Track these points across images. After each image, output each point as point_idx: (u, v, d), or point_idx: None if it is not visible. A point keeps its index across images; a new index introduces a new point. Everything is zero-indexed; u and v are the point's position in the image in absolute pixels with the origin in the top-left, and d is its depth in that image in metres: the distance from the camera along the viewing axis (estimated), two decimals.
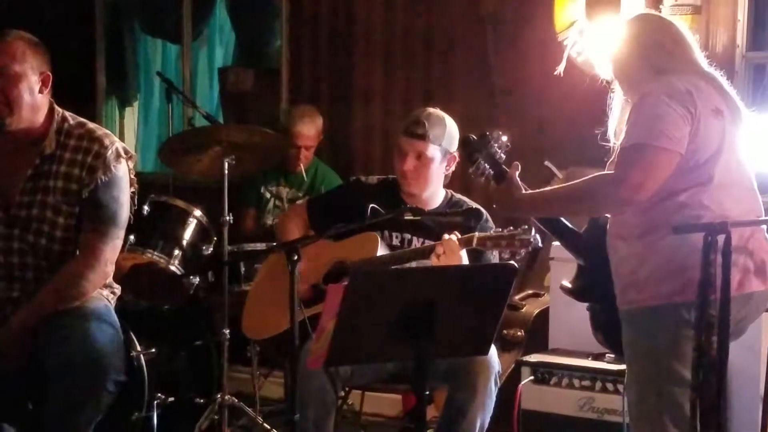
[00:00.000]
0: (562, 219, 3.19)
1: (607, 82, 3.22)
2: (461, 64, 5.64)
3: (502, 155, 3.12)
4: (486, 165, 3.10)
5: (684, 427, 2.78)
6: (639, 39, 3.05)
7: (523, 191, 3.07)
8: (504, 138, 3.15)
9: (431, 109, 3.97)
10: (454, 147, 3.93)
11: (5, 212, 3.45)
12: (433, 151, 3.88)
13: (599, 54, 3.18)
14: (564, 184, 3.15)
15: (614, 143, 3.12)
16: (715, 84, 3.01)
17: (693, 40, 3.11)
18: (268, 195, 5.43)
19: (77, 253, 3.46)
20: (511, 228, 3.54)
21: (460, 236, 3.62)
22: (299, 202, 5.08)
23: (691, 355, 2.66)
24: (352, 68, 5.98)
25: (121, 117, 7.50)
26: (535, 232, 3.44)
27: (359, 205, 3.85)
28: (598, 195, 2.91)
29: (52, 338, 3.30)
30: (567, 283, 3.25)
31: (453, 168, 3.98)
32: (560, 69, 3.51)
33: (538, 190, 3.12)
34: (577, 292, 3.23)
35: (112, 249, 3.49)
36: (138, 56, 7.38)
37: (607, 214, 3.05)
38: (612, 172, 2.88)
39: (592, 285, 3.18)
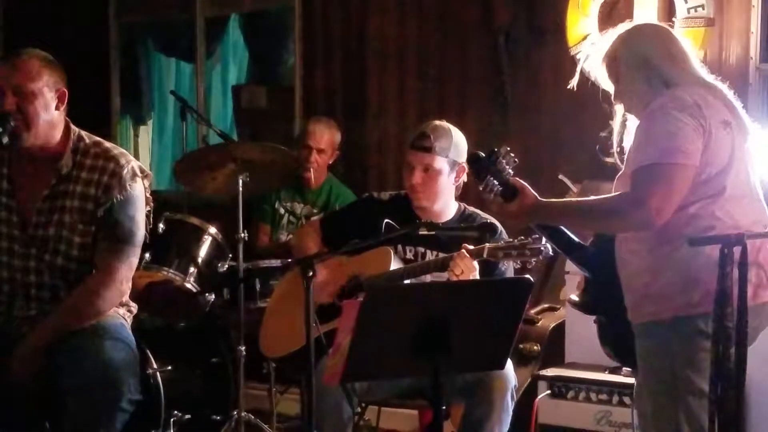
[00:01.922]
0: (567, 231, 3.19)
1: (610, 96, 3.21)
2: (475, 80, 5.64)
3: (510, 171, 3.12)
4: (495, 182, 3.09)
5: None
6: (649, 48, 3.03)
7: (540, 198, 3.07)
8: (512, 154, 3.14)
9: (437, 122, 3.99)
10: (462, 158, 3.93)
11: (22, 231, 3.47)
12: (441, 163, 3.89)
13: (600, 68, 3.16)
14: (586, 199, 3.13)
15: (616, 153, 3.13)
16: (721, 96, 3.00)
17: (691, 50, 3.10)
18: (282, 211, 5.44)
19: (93, 271, 3.47)
20: (522, 237, 3.54)
21: (470, 248, 3.61)
22: (313, 219, 5.09)
23: (708, 367, 2.64)
24: (365, 84, 6.00)
25: (136, 135, 7.52)
26: (546, 241, 3.43)
27: (372, 222, 3.86)
28: (619, 217, 2.89)
29: (67, 357, 3.30)
30: (574, 297, 3.24)
31: (463, 179, 3.98)
32: (573, 83, 3.51)
33: (556, 200, 3.13)
34: (585, 305, 3.22)
35: (129, 267, 3.49)
36: (152, 75, 7.40)
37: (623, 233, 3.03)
38: (629, 192, 2.86)
39: (599, 298, 3.17)
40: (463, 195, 4.10)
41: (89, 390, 3.22)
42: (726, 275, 2.57)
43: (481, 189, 3.15)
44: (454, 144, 3.92)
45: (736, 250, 2.58)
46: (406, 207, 4.00)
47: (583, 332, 4.17)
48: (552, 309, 4.78)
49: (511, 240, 3.60)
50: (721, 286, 2.57)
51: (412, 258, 3.94)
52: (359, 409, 4.01)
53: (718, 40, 4.84)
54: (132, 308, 3.68)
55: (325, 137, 5.41)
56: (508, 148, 3.15)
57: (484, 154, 3.15)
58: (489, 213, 4.01)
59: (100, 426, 3.28)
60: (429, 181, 3.91)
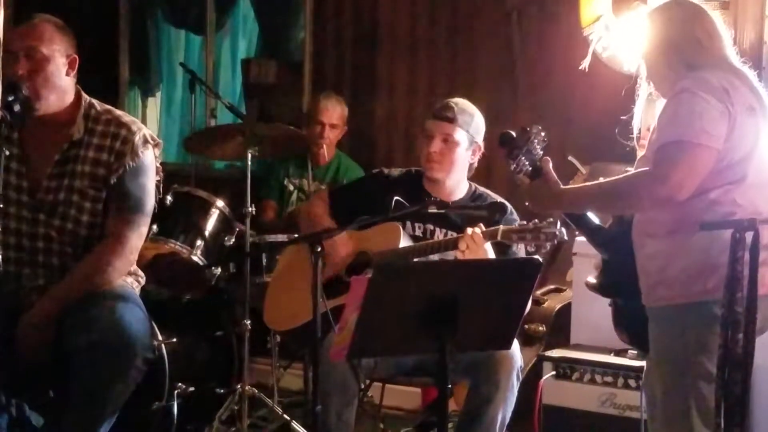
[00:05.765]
0: (588, 213, 3.16)
1: (634, 75, 3.17)
2: (485, 58, 5.62)
3: (540, 151, 3.09)
4: (525, 161, 3.07)
5: (711, 423, 2.75)
6: (673, 30, 3.00)
7: (561, 186, 3.05)
8: (543, 133, 3.11)
9: (460, 99, 3.99)
10: (480, 137, 3.94)
11: (32, 197, 3.45)
12: (461, 135, 3.90)
13: (627, 48, 3.10)
14: (602, 181, 3.09)
15: (637, 136, 3.10)
16: (747, 81, 2.96)
17: (726, 32, 3.06)
18: (291, 187, 5.44)
19: (103, 239, 3.46)
20: (536, 221, 3.53)
21: (484, 229, 3.61)
22: (320, 191, 5.08)
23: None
24: (375, 60, 5.97)
25: (144, 107, 7.49)
26: (561, 226, 3.41)
27: (381, 197, 3.85)
28: (639, 193, 2.85)
29: (78, 320, 3.27)
30: (592, 279, 3.23)
31: (477, 158, 3.98)
32: (585, 64, 3.48)
33: (576, 186, 3.09)
34: (602, 287, 3.20)
35: (138, 236, 3.49)
36: (161, 46, 7.37)
37: (644, 212, 3.00)
38: (648, 169, 2.83)
39: (617, 281, 3.14)
40: (487, 180, 4.10)
41: (104, 346, 3.20)
42: (737, 260, 2.55)
43: (511, 168, 3.11)
44: (475, 121, 3.94)
45: (749, 235, 2.56)
46: (417, 183, 4.00)
47: (589, 314, 4.17)
48: (558, 290, 4.76)
49: (526, 223, 3.59)
50: (732, 271, 2.55)
51: (421, 235, 3.93)
52: (363, 386, 4.02)
53: (733, 23, 4.79)
54: (140, 278, 3.67)
55: (337, 112, 5.42)
56: (540, 127, 3.12)
57: (515, 134, 3.13)
58: (500, 193, 4.01)
59: (116, 382, 3.26)
60: (447, 151, 3.91)
